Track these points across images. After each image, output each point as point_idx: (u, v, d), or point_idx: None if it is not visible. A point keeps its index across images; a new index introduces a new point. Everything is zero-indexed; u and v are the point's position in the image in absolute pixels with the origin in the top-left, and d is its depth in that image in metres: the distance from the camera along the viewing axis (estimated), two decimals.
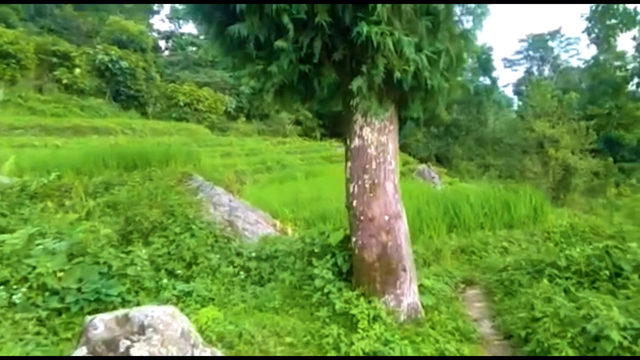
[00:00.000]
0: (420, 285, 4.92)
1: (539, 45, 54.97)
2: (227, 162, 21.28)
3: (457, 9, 4.51)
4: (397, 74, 4.10)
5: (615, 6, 11.88)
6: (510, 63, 57.76)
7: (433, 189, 14.92)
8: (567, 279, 4.48)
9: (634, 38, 11.47)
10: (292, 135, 35.98)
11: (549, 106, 33.96)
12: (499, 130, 40.82)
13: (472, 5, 4.43)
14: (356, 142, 4.69)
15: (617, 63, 33.62)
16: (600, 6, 12.11)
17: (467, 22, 4.49)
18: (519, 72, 56.81)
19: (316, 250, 5.10)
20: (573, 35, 55.74)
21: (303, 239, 5.59)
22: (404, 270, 4.64)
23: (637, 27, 11.32)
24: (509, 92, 55.48)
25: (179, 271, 5.28)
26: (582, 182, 29.86)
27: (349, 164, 4.77)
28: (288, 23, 4.06)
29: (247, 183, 19.70)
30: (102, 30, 32.07)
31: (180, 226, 5.91)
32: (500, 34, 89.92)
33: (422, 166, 29.48)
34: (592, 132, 30.95)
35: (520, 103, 46.76)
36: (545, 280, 4.50)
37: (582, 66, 48.73)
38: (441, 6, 4.33)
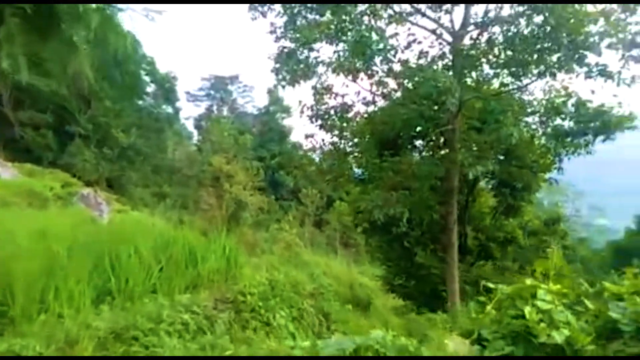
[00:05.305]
0: None
1: (219, 87, 58.45)
2: None
3: None
4: None
5: (298, 52, 12.30)
6: (193, 98, 58.82)
7: (95, 222, 11.17)
8: None
9: (314, 87, 12.25)
10: None
11: (226, 143, 35.74)
12: (178, 160, 40.23)
13: None
14: None
15: (283, 115, 39.06)
16: (286, 50, 12.33)
17: None
18: (201, 108, 58.39)
19: None
20: (249, 84, 61.99)
21: None
22: None
23: (316, 78, 12.00)
24: (190, 125, 56.17)
25: None
26: (251, 216, 32.27)
27: None
28: None
29: None
30: None
31: None
32: (186, 68, 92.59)
33: (88, 190, 24.68)
34: (261, 172, 34.26)
35: (200, 137, 47.75)
36: None
37: (255, 113, 54.86)
38: None
